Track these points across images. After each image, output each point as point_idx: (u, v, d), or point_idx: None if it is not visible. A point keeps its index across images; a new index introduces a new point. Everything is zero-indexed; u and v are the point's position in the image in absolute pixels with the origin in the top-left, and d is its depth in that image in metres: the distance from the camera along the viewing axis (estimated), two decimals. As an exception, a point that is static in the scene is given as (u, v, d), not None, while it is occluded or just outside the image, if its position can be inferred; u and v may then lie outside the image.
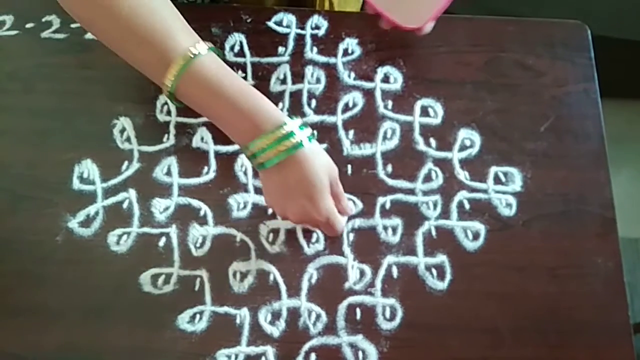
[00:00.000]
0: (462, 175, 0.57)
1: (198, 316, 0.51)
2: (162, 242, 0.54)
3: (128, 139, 0.58)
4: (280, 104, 0.60)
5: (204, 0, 0.66)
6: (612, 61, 0.89)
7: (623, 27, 1.21)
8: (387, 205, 0.56)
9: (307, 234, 0.55)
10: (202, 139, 0.58)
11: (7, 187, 0.57)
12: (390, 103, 0.60)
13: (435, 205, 0.56)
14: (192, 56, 0.46)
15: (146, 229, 0.55)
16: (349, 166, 0.57)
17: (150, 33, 0.46)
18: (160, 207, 0.56)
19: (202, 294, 0.52)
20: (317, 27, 0.64)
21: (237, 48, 0.62)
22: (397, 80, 0.61)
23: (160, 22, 0.46)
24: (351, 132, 0.59)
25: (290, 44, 0.63)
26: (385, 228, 0.55)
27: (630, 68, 1.28)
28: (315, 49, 0.63)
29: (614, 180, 0.57)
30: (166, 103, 0.60)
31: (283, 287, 0.52)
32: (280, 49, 0.62)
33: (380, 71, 0.62)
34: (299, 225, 0.55)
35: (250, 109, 0.47)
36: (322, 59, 0.62)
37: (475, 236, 0.55)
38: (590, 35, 0.64)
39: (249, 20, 0.64)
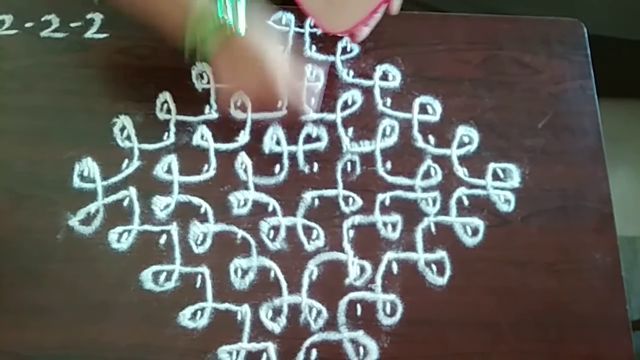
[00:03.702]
0: (461, 171, 0.58)
1: (199, 313, 0.52)
2: (162, 239, 0.54)
3: (128, 137, 0.58)
4: (280, 103, 0.60)
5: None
6: (608, 60, 0.90)
7: (620, 26, 1.22)
8: (387, 202, 0.56)
9: (308, 230, 0.55)
10: (202, 137, 0.58)
11: (7, 186, 0.57)
12: (389, 100, 0.61)
13: (434, 202, 0.56)
14: None
15: (147, 227, 0.55)
16: (349, 163, 0.58)
17: None
18: (161, 204, 0.56)
19: (204, 291, 0.52)
20: (316, 26, 0.64)
21: (236, 47, 0.62)
22: (395, 78, 0.62)
23: None
24: (350, 130, 0.59)
25: (289, 42, 0.63)
26: (385, 224, 0.55)
27: (627, 67, 1.28)
28: (314, 47, 0.63)
29: (611, 179, 0.58)
30: (166, 101, 0.60)
31: (284, 284, 0.53)
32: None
33: (379, 69, 0.62)
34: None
35: None
36: (321, 57, 0.63)
37: (475, 232, 0.55)
38: (587, 33, 0.65)
39: (248, 19, 0.64)
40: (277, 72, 0.54)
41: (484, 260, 0.54)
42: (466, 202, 0.56)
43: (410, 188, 0.57)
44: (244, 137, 0.58)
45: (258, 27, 0.54)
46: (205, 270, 0.53)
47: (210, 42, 0.52)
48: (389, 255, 0.54)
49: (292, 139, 0.58)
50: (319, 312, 0.52)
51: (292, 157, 0.58)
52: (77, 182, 0.57)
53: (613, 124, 0.89)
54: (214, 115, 0.59)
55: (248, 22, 0.53)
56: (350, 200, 0.56)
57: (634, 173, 1.36)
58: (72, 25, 0.63)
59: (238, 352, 0.50)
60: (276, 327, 0.51)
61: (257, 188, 0.56)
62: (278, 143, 0.58)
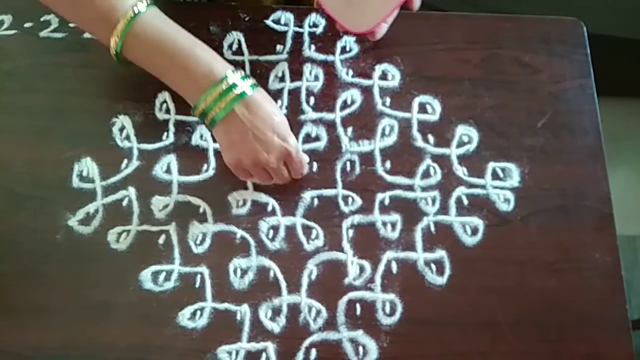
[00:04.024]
0: (461, 171, 0.58)
1: (199, 313, 0.52)
2: (161, 239, 0.54)
3: (127, 137, 0.58)
4: (279, 102, 0.60)
5: (202, -1, 0.66)
6: (608, 59, 0.90)
7: (620, 26, 1.22)
8: (386, 202, 0.56)
9: (307, 230, 0.55)
10: (202, 137, 0.58)
11: (6, 186, 0.57)
12: (388, 100, 0.61)
13: (433, 201, 0.56)
14: (134, 15, 0.48)
15: (146, 227, 0.55)
16: (348, 163, 0.58)
17: None
18: (160, 204, 0.56)
19: (203, 291, 0.52)
20: (315, 25, 0.64)
21: (235, 46, 0.62)
22: (395, 77, 0.62)
23: None
24: (350, 129, 0.59)
25: (289, 42, 0.63)
26: (384, 224, 0.55)
27: (627, 66, 1.28)
28: (313, 47, 0.63)
29: (611, 178, 0.58)
30: (165, 101, 0.60)
31: (283, 284, 0.53)
32: (279, 47, 0.63)
33: (378, 68, 0.62)
34: (273, 172, 0.54)
35: (190, 66, 0.50)
36: (320, 56, 0.62)
37: (474, 231, 0.55)
38: (587, 32, 0.64)
39: (247, 19, 0.64)
40: (288, 128, 0.53)
41: (483, 260, 0.54)
42: (465, 202, 0.56)
43: (410, 187, 0.57)
44: (243, 136, 0.58)
45: (259, 89, 0.53)
46: (204, 270, 0.53)
47: (217, 109, 0.50)
48: (389, 254, 0.54)
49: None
50: (318, 312, 0.52)
51: (292, 156, 0.58)
52: (76, 182, 0.57)
53: (613, 123, 0.89)
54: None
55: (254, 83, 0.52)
56: (350, 199, 0.56)
57: (634, 172, 1.36)
58: (72, 25, 0.63)
59: (237, 352, 0.50)
60: (275, 327, 0.51)
61: (257, 188, 0.56)
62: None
